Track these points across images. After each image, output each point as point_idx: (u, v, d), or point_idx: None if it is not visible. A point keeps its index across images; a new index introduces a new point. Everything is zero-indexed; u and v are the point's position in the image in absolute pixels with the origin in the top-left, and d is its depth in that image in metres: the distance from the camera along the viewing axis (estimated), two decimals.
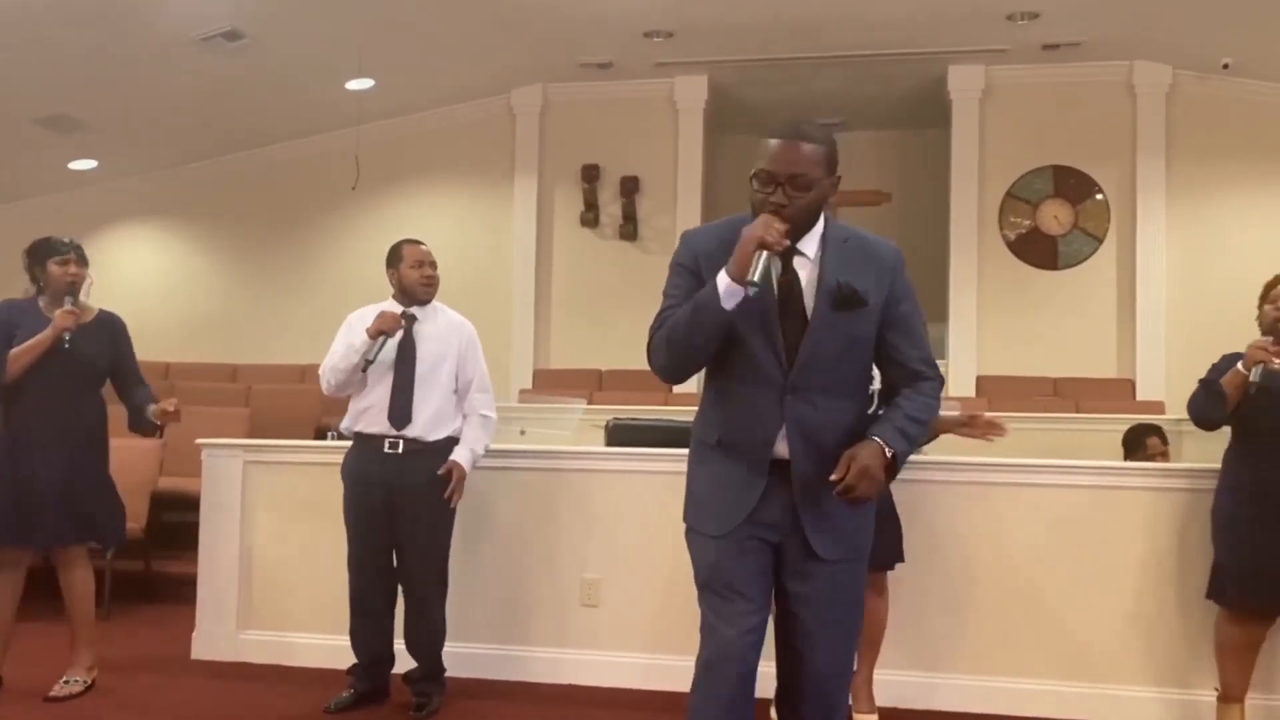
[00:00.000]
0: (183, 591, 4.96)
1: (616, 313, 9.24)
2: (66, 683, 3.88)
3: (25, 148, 9.36)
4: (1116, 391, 8.50)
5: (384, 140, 9.84)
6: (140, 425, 4.00)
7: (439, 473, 3.78)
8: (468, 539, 4.20)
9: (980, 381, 8.78)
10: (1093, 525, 3.97)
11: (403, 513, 3.76)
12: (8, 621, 3.87)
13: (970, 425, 3.64)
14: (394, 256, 3.94)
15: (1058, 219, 9.16)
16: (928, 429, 2.47)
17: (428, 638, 3.85)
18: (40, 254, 3.91)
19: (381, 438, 3.78)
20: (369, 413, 3.81)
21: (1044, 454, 4.43)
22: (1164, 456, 5.31)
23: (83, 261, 3.93)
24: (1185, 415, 3.76)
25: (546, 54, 8.99)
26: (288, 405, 7.77)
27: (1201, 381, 3.58)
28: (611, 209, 9.74)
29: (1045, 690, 3.94)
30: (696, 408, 2.54)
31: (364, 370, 3.77)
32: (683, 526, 2.48)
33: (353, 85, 8.94)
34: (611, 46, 8.85)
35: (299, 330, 9.53)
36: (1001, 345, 9.04)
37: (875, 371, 2.54)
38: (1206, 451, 3.91)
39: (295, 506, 4.46)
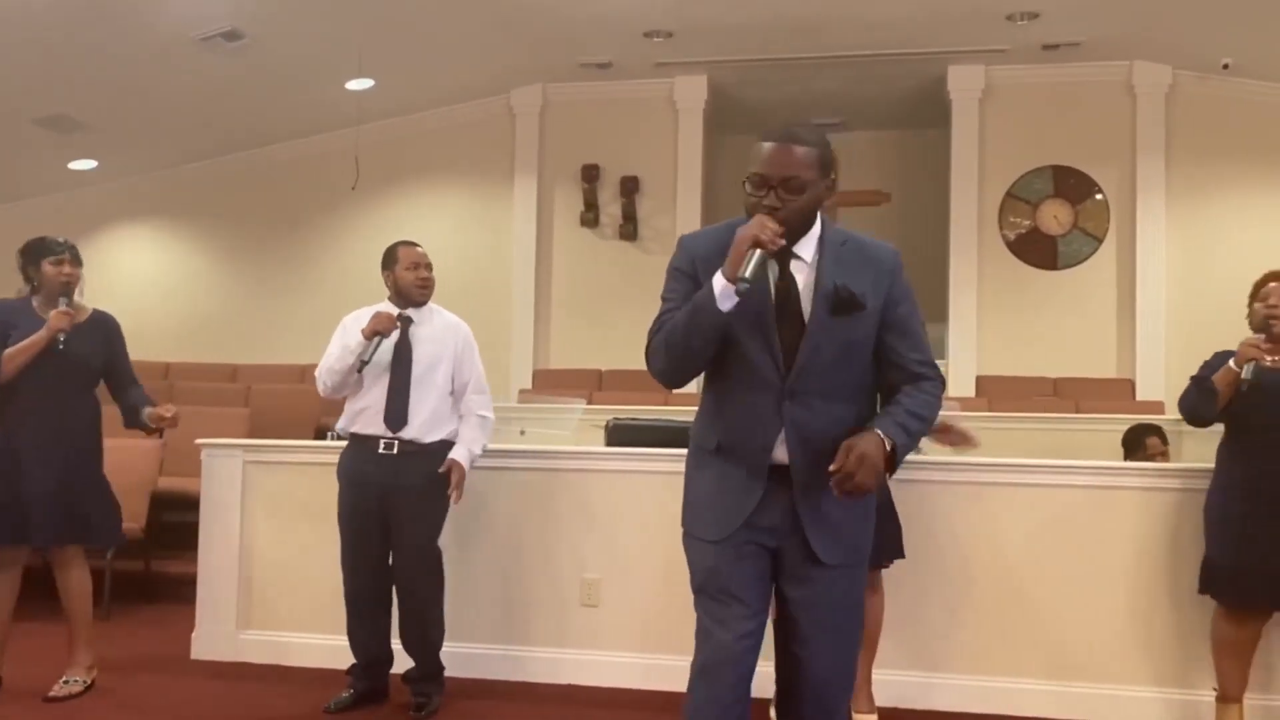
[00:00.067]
0: (182, 591, 4.97)
1: (616, 313, 9.25)
2: (66, 683, 3.88)
3: (25, 148, 9.36)
4: (1116, 391, 8.48)
5: (384, 140, 9.85)
6: (134, 424, 4.00)
7: (440, 471, 3.78)
8: (467, 539, 4.21)
9: (980, 381, 8.76)
10: (1090, 525, 3.98)
11: (398, 514, 3.76)
12: (5, 621, 3.87)
13: (943, 434, 3.57)
14: (389, 258, 3.93)
15: (1057, 219, 9.16)
16: (929, 426, 2.44)
17: (426, 638, 3.84)
18: (35, 254, 3.89)
19: (377, 439, 3.78)
20: (365, 414, 3.81)
21: (1044, 454, 4.44)
22: (1164, 456, 5.30)
23: (77, 261, 3.91)
24: None
25: (546, 54, 8.99)
26: (287, 405, 7.76)
27: (1193, 379, 3.59)
28: (611, 209, 9.74)
29: (1044, 690, 3.94)
30: (696, 408, 2.53)
31: (359, 371, 3.76)
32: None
33: (353, 85, 8.94)
34: (611, 46, 8.84)
35: (299, 330, 9.53)
36: (1001, 345, 9.04)
37: None
38: (1206, 452, 3.90)
39: (295, 506, 4.46)
